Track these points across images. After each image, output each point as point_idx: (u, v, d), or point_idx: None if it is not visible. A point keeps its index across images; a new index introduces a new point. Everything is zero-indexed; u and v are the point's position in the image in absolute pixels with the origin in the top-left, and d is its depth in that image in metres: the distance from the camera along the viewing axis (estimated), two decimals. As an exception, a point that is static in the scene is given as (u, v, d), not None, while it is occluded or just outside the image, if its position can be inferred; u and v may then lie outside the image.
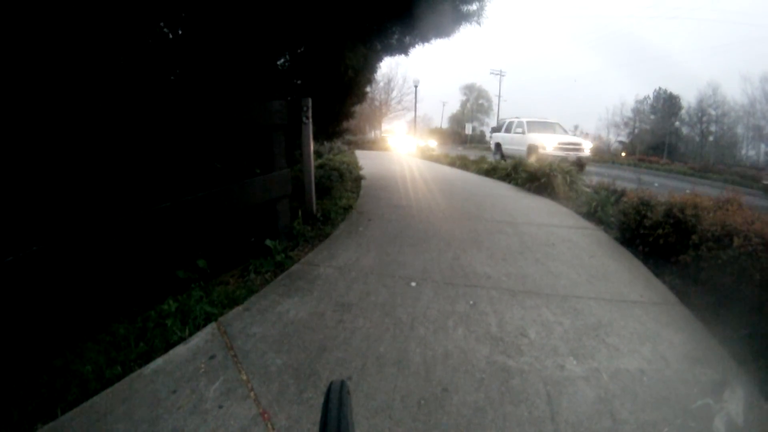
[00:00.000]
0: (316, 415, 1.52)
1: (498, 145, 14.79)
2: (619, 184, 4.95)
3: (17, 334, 1.93)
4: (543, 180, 5.62)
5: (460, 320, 2.14)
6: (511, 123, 14.20)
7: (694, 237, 2.62)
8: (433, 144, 26.76)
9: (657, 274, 2.83)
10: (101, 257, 2.15)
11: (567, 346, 1.95)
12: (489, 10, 4.23)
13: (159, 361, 1.85)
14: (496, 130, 15.82)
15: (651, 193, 3.35)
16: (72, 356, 1.89)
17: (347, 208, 4.43)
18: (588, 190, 5.18)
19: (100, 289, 2.29)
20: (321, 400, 1.57)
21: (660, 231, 2.91)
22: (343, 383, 0.52)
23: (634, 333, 2.10)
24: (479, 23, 4.27)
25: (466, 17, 4.23)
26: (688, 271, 2.66)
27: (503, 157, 13.36)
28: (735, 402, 1.76)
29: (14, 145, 1.93)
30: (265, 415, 1.54)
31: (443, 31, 4.42)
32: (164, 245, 2.64)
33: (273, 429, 1.47)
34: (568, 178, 5.43)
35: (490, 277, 2.68)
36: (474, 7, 4.18)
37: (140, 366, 1.82)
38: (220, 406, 1.58)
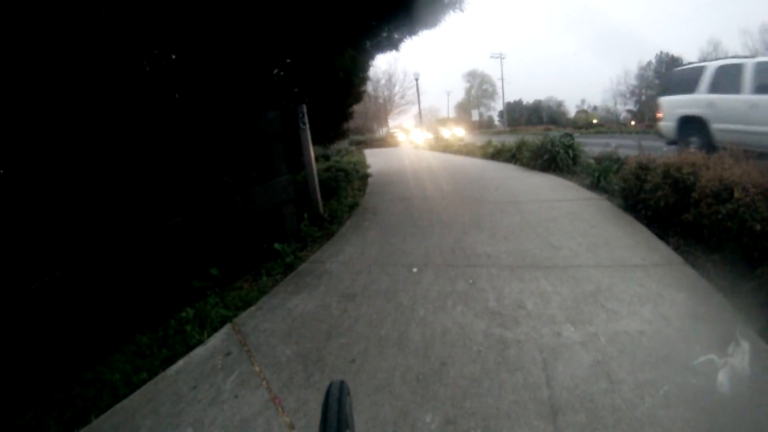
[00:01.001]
0: (322, 397, 1.62)
1: (696, 124, 6.10)
2: (625, 152, 4.87)
3: (48, 354, 2.11)
4: (546, 157, 5.57)
5: (459, 298, 2.21)
6: (734, 69, 5.66)
7: (693, 195, 2.60)
8: (460, 132, 25.50)
9: (660, 237, 2.81)
10: (120, 277, 2.32)
11: (564, 314, 1.98)
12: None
13: (180, 363, 2.00)
14: (675, 87, 6.81)
15: (650, 157, 3.31)
16: (102, 368, 2.05)
17: (353, 206, 4.54)
18: (592, 161, 5.13)
19: (122, 304, 2.46)
20: (327, 383, 1.67)
21: (660, 193, 2.88)
22: (342, 383, 0.52)
23: (634, 296, 2.12)
24: (462, 10, 4.30)
25: (449, 6, 4.26)
26: (691, 230, 2.63)
27: (712, 147, 5.19)
28: (740, 355, 1.74)
29: (37, 177, 2.12)
30: (276, 400, 1.65)
31: (429, 22, 4.47)
32: (179, 258, 2.80)
33: (283, 411, 1.58)
34: (571, 152, 5.37)
35: (490, 256, 2.72)
36: (454, -5, 4.21)
37: (164, 369, 1.96)
38: (236, 396, 1.70)
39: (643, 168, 3.19)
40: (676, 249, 2.64)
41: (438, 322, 2.01)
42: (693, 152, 2.91)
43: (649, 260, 2.50)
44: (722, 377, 1.62)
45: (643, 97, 39.58)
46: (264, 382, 1.76)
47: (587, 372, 1.62)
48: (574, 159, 5.37)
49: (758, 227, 2.18)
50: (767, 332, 1.81)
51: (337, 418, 0.45)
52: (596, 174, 4.28)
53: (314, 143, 4.27)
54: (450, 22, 4.66)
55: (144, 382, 1.89)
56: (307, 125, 3.91)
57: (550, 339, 1.81)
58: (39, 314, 2.00)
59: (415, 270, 2.63)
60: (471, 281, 2.40)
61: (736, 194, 2.29)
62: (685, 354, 1.70)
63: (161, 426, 1.60)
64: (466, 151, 10.50)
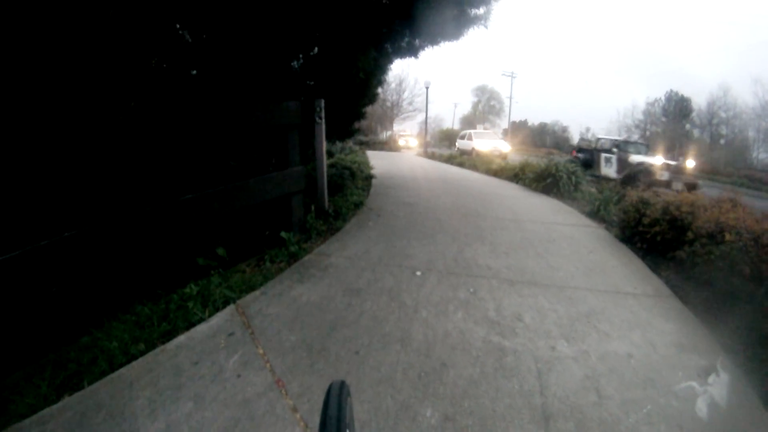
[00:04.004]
0: (326, 383, 1.69)
1: None
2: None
3: (44, 313, 2.11)
4: (549, 180, 5.73)
5: (460, 305, 2.29)
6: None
7: (689, 234, 2.72)
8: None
9: (653, 270, 2.94)
10: (127, 245, 2.35)
11: (559, 330, 2.08)
12: (496, 13, 4.38)
13: (182, 338, 2.03)
14: None
15: (651, 193, 3.45)
16: (99, 333, 2.06)
17: (358, 205, 4.60)
18: (593, 190, 5.28)
19: (125, 273, 2.48)
20: (331, 371, 1.74)
21: (657, 228, 3.01)
22: (343, 383, 0.53)
23: (624, 321, 2.23)
24: (486, 26, 4.43)
25: (473, 21, 4.39)
26: (684, 266, 2.76)
27: None
28: (719, 386, 1.86)
29: (57, 145, 2.15)
30: (280, 383, 1.70)
31: (451, 34, 4.58)
32: (186, 235, 2.85)
33: (287, 395, 1.64)
34: (574, 179, 5.53)
35: (491, 269, 2.82)
36: (481, 11, 4.34)
37: (163, 343, 1.99)
38: (239, 376, 1.75)
39: (644, 202, 3.33)
40: (667, 282, 2.76)
41: (440, 324, 2.10)
42: (693, 194, 3.04)
43: (641, 290, 2.62)
44: (701, 403, 1.74)
45: (648, 133, 40.36)
46: (267, 365, 1.82)
47: (578, 385, 1.71)
48: (576, 185, 5.52)
49: (747, 270, 2.30)
50: (747, 367, 1.92)
51: (337, 418, 0.46)
52: (597, 203, 4.43)
53: (326, 139, 4.33)
54: (476, 35, 4.81)
55: (142, 353, 1.91)
56: (323, 120, 3.97)
57: (545, 351, 1.91)
58: (42, 272, 2.00)
59: (418, 273, 2.71)
60: (472, 290, 2.49)
61: (729, 238, 2.41)
62: (668, 378, 1.81)
63: (161, 398, 1.63)
64: (468, 164, 10.65)
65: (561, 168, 5.72)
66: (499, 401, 1.60)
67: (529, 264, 2.94)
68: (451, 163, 11.97)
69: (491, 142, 15.93)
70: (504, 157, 10.30)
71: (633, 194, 3.56)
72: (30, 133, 2.08)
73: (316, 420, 1.52)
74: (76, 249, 2.12)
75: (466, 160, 11.22)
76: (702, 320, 2.32)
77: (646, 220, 3.19)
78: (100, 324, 2.15)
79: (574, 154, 11.67)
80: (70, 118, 2.22)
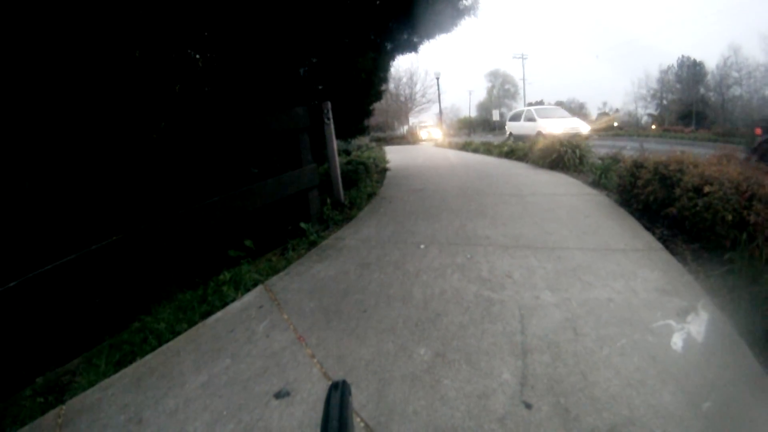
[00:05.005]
0: (338, 336, 2.01)
1: None
2: (633, 154, 5.08)
3: (99, 306, 2.50)
4: (554, 156, 5.85)
5: (457, 269, 2.57)
6: None
7: (677, 190, 2.86)
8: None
9: (647, 228, 3.08)
10: (165, 245, 2.74)
11: (545, 283, 2.31)
12: (483, 2, 4.58)
13: (219, 314, 2.41)
14: None
15: (645, 156, 3.57)
16: (147, 318, 2.43)
17: (371, 195, 4.93)
18: (598, 161, 5.36)
19: (166, 267, 2.88)
20: (343, 327, 2.07)
21: (650, 188, 3.15)
22: (344, 383, 0.52)
23: (609, 272, 2.42)
24: (476, 15, 4.64)
25: (464, 12, 4.61)
26: (675, 221, 2.90)
27: None
28: (698, 323, 2.02)
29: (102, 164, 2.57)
30: (301, 339, 2.04)
31: (445, 27, 4.82)
32: (218, 231, 3.24)
33: (306, 346, 1.97)
34: (578, 152, 5.63)
35: (489, 238, 3.07)
36: (468, 2, 4.56)
37: (203, 319, 2.35)
38: (267, 336, 2.10)
39: (638, 166, 3.46)
40: (660, 238, 2.90)
41: (437, 285, 2.38)
42: (684, 153, 3.17)
43: (631, 246, 2.79)
44: (677, 338, 1.90)
45: (665, 101, 38.89)
46: (291, 326, 2.16)
47: (557, 326, 1.94)
48: (581, 158, 5.62)
49: (729, 217, 2.44)
50: (729, 306, 2.05)
51: (338, 418, 0.46)
52: (598, 172, 4.55)
53: (337, 138, 4.66)
54: (469, 25, 5.02)
55: (185, 330, 2.26)
56: (331, 121, 4.30)
57: (529, 300, 2.15)
58: (96, 272, 2.36)
59: (422, 246, 3.00)
60: (469, 256, 2.75)
61: (709, 189, 2.56)
62: (646, 318, 1.98)
63: (203, 359, 1.99)
64: (483, 149, 10.76)
65: (565, 143, 5.83)
66: (484, 340, 1.87)
67: (525, 231, 3.16)
68: (466, 150, 12.09)
69: (565, 122, 11.35)
70: (584, 140, 6.62)
71: (628, 159, 3.68)
72: (84, 157, 2.51)
73: (330, 363, 1.85)
74: (124, 250, 2.52)
75: (480, 146, 11.28)
76: (689, 269, 2.46)
77: (640, 182, 3.32)
78: (148, 311, 2.53)
79: (759, 132, 7.34)
80: (109, 141, 2.64)
